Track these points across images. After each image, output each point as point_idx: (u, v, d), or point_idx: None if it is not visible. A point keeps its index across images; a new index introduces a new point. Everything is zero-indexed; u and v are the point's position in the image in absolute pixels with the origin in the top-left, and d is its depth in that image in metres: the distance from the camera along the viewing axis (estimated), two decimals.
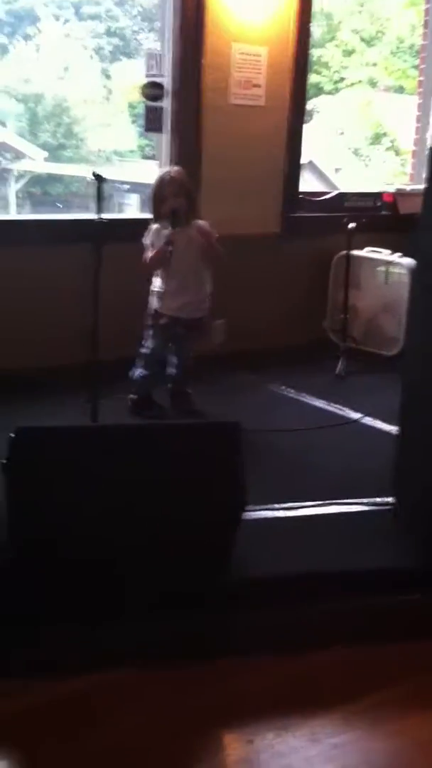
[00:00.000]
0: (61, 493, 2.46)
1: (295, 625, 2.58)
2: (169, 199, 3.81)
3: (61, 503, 2.46)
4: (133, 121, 9.17)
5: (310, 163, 13.46)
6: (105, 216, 3.34)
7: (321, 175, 13.65)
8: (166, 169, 4.13)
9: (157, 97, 4.51)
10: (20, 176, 9.76)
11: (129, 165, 11.67)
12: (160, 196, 3.85)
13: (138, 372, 3.99)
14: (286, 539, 2.95)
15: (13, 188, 9.66)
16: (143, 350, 3.99)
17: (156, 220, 3.87)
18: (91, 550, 2.45)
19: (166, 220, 3.78)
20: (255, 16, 4.66)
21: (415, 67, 6.76)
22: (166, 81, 4.55)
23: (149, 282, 3.96)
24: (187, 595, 2.49)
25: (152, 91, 4.50)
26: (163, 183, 3.87)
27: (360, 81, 13.69)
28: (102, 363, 3.45)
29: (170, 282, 3.81)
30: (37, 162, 9.78)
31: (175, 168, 4.15)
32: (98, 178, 3.17)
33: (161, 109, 4.55)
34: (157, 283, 3.93)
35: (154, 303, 3.93)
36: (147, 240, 3.86)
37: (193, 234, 3.82)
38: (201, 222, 3.90)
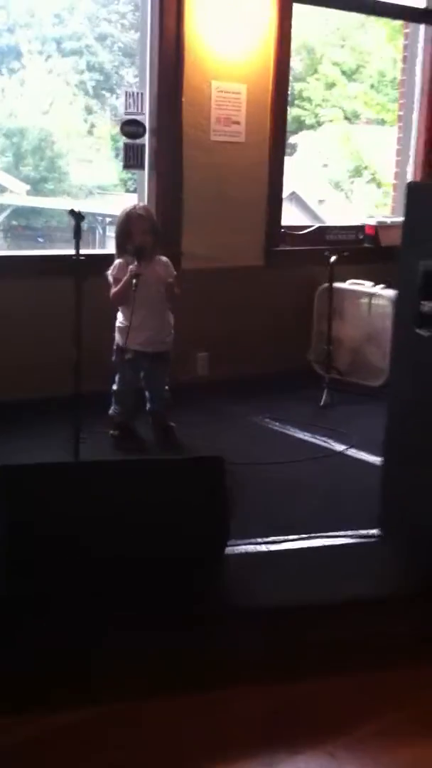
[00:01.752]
0: (43, 528, 2.45)
1: (282, 656, 2.56)
2: (137, 235, 3.85)
3: (43, 539, 2.45)
4: (116, 155, 9.21)
5: (294, 194, 13.58)
6: (84, 252, 3.34)
7: (304, 207, 13.77)
8: (132, 204, 4.16)
9: (136, 135, 4.54)
10: (1, 209, 9.80)
11: (112, 198, 11.73)
12: (127, 231, 3.90)
13: (112, 409, 4.03)
14: (273, 572, 2.94)
15: None
16: (114, 387, 4.02)
17: (120, 254, 3.92)
18: (74, 584, 2.44)
19: (131, 256, 3.82)
20: (234, 54, 4.73)
21: (395, 100, 6.85)
22: (146, 118, 4.59)
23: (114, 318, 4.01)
24: (173, 628, 2.47)
25: (131, 128, 4.53)
26: (130, 219, 3.91)
27: (341, 114, 13.84)
28: (86, 396, 3.45)
29: (134, 317, 3.79)
30: (18, 195, 9.83)
31: (141, 204, 4.22)
32: (76, 215, 3.17)
33: (141, 146, 4.58)
34: (120, 317, 3.97)
35: (117, 338, 3.98)
36: (111, 275, 3.90)
37: (157, 269, 3.88)
38: (164, 259, 3.96)
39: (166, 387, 4.04)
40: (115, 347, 3.97)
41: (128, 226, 3.91)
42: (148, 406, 4.05)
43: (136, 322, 3.78)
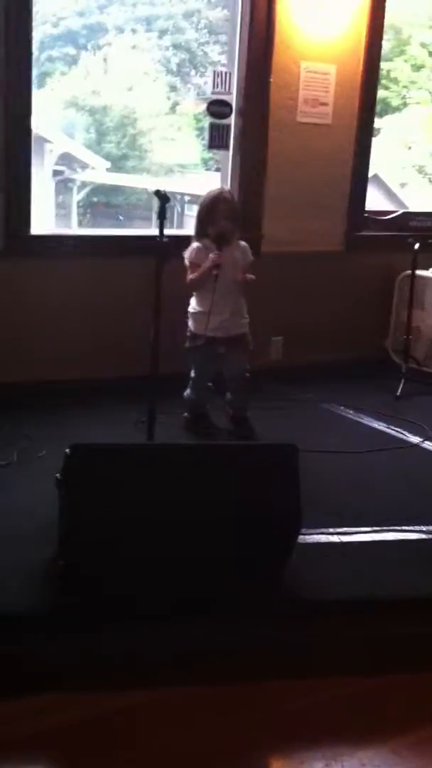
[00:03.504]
0: (114, 510, 2.47)
1: (348, 650, 2.54)
2: (220, 220, 3.75)
3: (113, 521, 2.46)
4: (198, 134, 9.18)
5: (375, 176, 13.35)
6: (167, 233, 3.33)
7: (386, 190, 13.54)
8: (218, 188, 4.08)
9: (222, 115, 4.50)
10: (82, 186, 9.87)
11: (192, 176, 11.71)
12: (211, 215, 3.78)
13: (186, 393, 3.97)
14: (343, 564, 2.91)
15: (75, 198, 9.77)
16: (191, 373, 3.94)
17: (199, 238, 3.81)
18: (143, 569, 2.45)
19: (212, 241, 3.73)
20: (324, 34, 4.65)
21: None
22: (233, 98, 4.55)
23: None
24: (240, 615, 2.47)
25: (218, 108, 4.50)
26: (215, 203, 3.80)
27: (429, 97, 13.52)
28: (160, 377, 3.46)
29: (206, 302, 3.72)
30: (99, 172, 9.88)
31: (227, 188, 4.11)
32: (161, 197, 3.14)
33: (226, 126, 4.55)
34: (193, 303, 3.86)
35: (190, 324, 3.87)
36: (188, 258, 3.79)
37: (235, 254, 3.79)
38: (242, 243, 3.88)
39: (246, 374, 3.94)
40: (188, 334, 3.88)
41: (213, 210, 3.79)
42: (227, 395, 3.98)
43: (208, 308, 3.70)
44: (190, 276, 3.77)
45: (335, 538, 3.04)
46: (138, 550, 2.46)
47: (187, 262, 3.78)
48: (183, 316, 3.93)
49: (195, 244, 3.80)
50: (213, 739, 2.22)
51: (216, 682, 2.39)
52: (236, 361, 3.89)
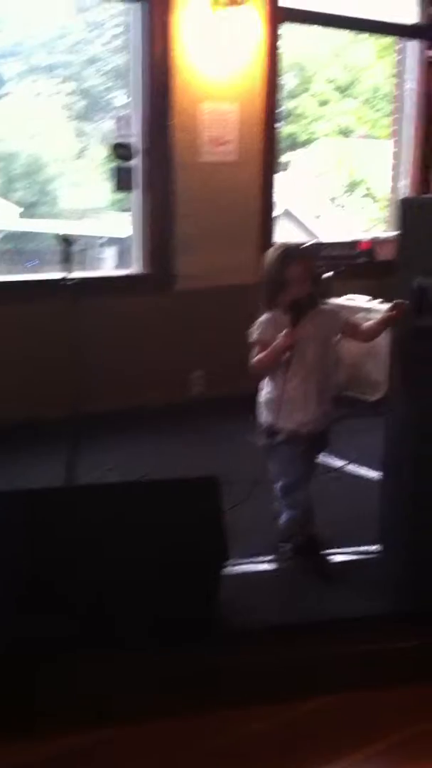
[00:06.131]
0: (42, 551, 2.44)
1: (286, 674, 2.56)
2: (293, 285, 2.93)
3: (42, 561, 2.43)
4: (108, 178, 9.25)
5: (286, 211, 13.64)
6: (75, 275, 3.32)
7: (299, 224, 13.82)
8: (281, 243, 3.19)
9: (126, 157, 4.56)
10: None
11: (104, 219, 11.74)
12: (279, 279, 2.94)
13: (285, 516, 3.12)
14: (274, 590, 2.95)
15: None
16: (278, 483, 3.10)
17: (269, 308, 3.00)
18: (76, 609, 2.43)
19: (284, 312, 2.92)
20: (223, 75, 4.76)
21: (389, 115, 6.88)
22: (136, 141, 4.61)
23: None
24: (177, 647, 2.48)
25: (122, 151, 4.56)
26: (287, 263, 2.94)
27: (335, 131, 13.91)
28: (85, 417, 3.44)
29: (288, 387, 2.95)
30: (10, 219, 9.88)
31: (293, 242, 3.24)
32: (66, 240, 3.16)
33: (131, 168, 4.60)
34: (266, 388, 3.07)
35: (264, 416, 3.07)
36: (255, 335, 2.99)
37: (318, 324, 2.97)
38: (328, 307, 3.11)
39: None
40: (262, 429, 3.08)
41: (281, 272, 2.95)
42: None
43: (289, 396, 2.96)
44: (257, 356, 2.97)
45: (264, 566, 3.06)
46: (63, 592, 2.43)
47: (252, 338, 3.00)
48: (95, 358, 3.90)
49: (262, 318, 3.00)
50: None
51: (146, 718, 2.38)
52: (310, 466, 3.14)
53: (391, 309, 2.92)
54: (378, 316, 3.06)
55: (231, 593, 2.69)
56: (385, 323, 2.99)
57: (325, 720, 2.45)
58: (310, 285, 2.94)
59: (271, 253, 3.03)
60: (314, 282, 2.98)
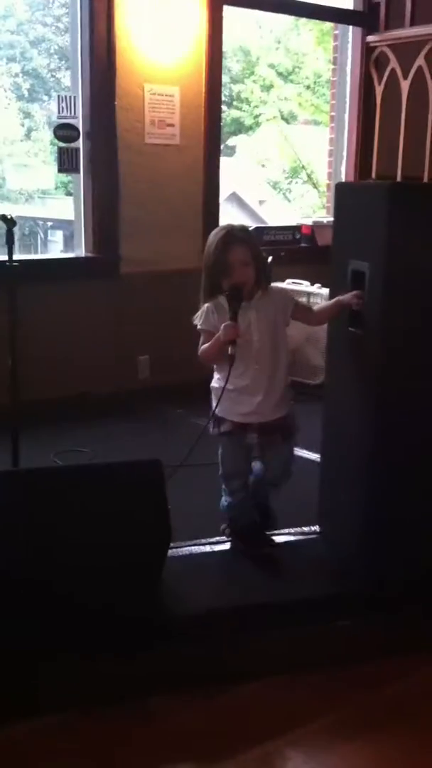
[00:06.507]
0: None
1: (225, 659, 2.58)
2: (236, 269, 2.77)
3: None
4: (55, 159, 9.18)
5: (234, 194, 13.67)
6: (24, 257, 3.31)
7: (245, 207, 13.86)
8: (223, 226, 2.95)
9: (70, 139, 4.53)
10: None
11: (53, 202, 11.64)
12: (224, 264, 2.79)
13: (224, 500, 3.11)
14: (214, 573, 2.97)
15: None
16: (219, 470, 3.08)
17: (210, 296, 2.86)
18: (18, 593, 2.42)
19: (227, 299, 2.77)
20: (166, 57, 4.75)
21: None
22: (80, 122, 4.58)
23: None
24: (115, 634, 2.47)
25: (65, 132, 4.52)
26: (228, 246, 2.79)
27: (276, 116, 13.97)
28: (24, 404, 3.42)
29: (233, 377, 2.81)
30: None
31: (238, 225, 2.96)
32: (7, 221, 3.13)
33: (75, 150, 4.57)
34: (216, 376, 2.95)
35: (213, 403, 2.94)
36: (199, 324, 2.87)
37: (266, 309, 2.86)
38: (276, 288, 3.02)
39: (289, 467, 3.07)
40: (211, 415, 2.95)
41: (226, 255, 2.78)
42: (251, 477, 3.08)
43: (236, 385, 2.85)
44: (202, 347, 2.87)
45: (207, 548, 3.09)
46: (12, 575, 2.43)
47: (199, 328, 2.89)
48: (42, 343, 3.89)
49: (204, 306, 2.87)
50: (101, 762, 2.22)
51: (97, 703, 2.39)
52: (275, 454, 3.01)
53: (352, 297, 2.80)
54: (319, 300, 3.09)
55: (170, 577, 2.71)
56: (339, 308, 2.89)
57: (257, 704, 2.48)
58: (252, 268, 2.80)
59: (212, 236, 2.87)
60: (257, 262, 2.83)
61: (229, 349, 2.73)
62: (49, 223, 11.75)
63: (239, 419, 2.90)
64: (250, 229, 5.45)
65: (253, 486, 3.07)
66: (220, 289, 2.80)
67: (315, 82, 14.59)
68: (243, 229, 2.91)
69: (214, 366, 2.92)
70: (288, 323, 2.94)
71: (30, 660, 2.42)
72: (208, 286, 2.85)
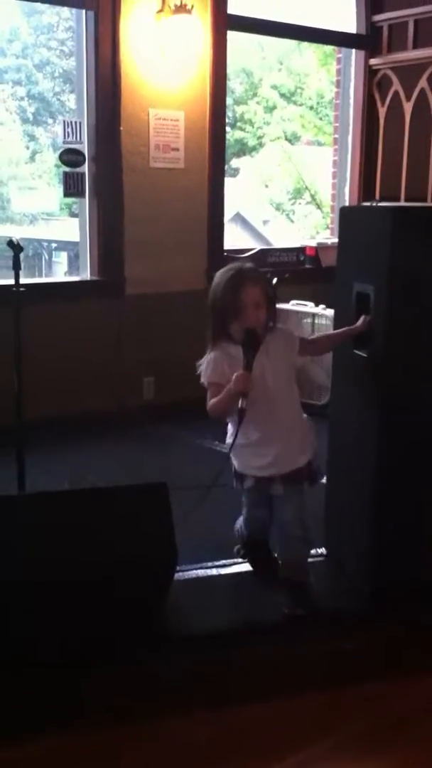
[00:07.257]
0: None
1: (228, 679, 2.58)
2: (248, 311, 2.56)
3: None
4: (59, 181, 9.26)
5: (238, 215, 13.74)
6: (29, 281, 3.33)
7: (249, 228, 13.93)
8: (234, 264, 2.71)
9: (75, 164, 4.56)
10: None
11: (57, 223, 11.70)
12: (232, 306, 2.57)
13: (238, 524, 3.06)
14: (220, 595, 2.97)
15: None
16: (241, 517, 3.02)
17: (217, 342, 2.64)
18: (21, 611, 2.43)
19: (245, 347, 2.54)
20: (171, 82, 4.79)
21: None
22: (85, 147, 4.61)
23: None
24: (122, 652, 2.48)
25: (70, 157, 4.56)
26: (241, 286, 2.57)
27: (279, 137, 14.06)
28: (29, 424, 3.43)
29: (248, 430, 2.62)
30: None
31: (249, 265, 2.72)
32: (14, 246, 3.15)
33: (80, 174, 4.61)
34: (230, 429, 2.74)
35: (233, 459, 2.80)
36: (205, 378, 2.65)
37: (276, 353, 2.66)
38: (282, 329, 2.78)
39: (303, 523, 2.79)
40: (233, 471, 2.83)
41: (238, 296, 2.56)
42: (278, 551, 2.94)
43: (252, 438, 2.67)
44: (211, 401, 2.61)
45: (214, 572, 3.09)
46: (17, 595, 2.43)
47: (203, 381, 2.66)
48: (50, 364, 3.90)
49: (210, 355, 2.65)
50: None
51: (100, 721, 2.38)
52: (294, 504, 2.77)
53: (364, 325, 2.72)
54: (324, 321, 3.09)
55: (176, 599, 2.71)
56: (349, 338, 2.80)
57: (268, 723, 2.47)
58: (264, 309, 2.59)
59: (221, 275, 2.64)
60: (268, 301, 2.63)
61: (240, 401, 2.49)
62: (54, 245, 11.82)
63: (260, 473, 2.73)
64: (255, 251, 5.52)
65: (282, 544, 2.87)
66: (228, 333, 2.61)
67: (318, 103, 14.70)
68: (254, 268, 2.70)
69: (228, 420, 2.71)
70: (296, 363, 2.78)
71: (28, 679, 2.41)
72: (216, 329, 2.63)
